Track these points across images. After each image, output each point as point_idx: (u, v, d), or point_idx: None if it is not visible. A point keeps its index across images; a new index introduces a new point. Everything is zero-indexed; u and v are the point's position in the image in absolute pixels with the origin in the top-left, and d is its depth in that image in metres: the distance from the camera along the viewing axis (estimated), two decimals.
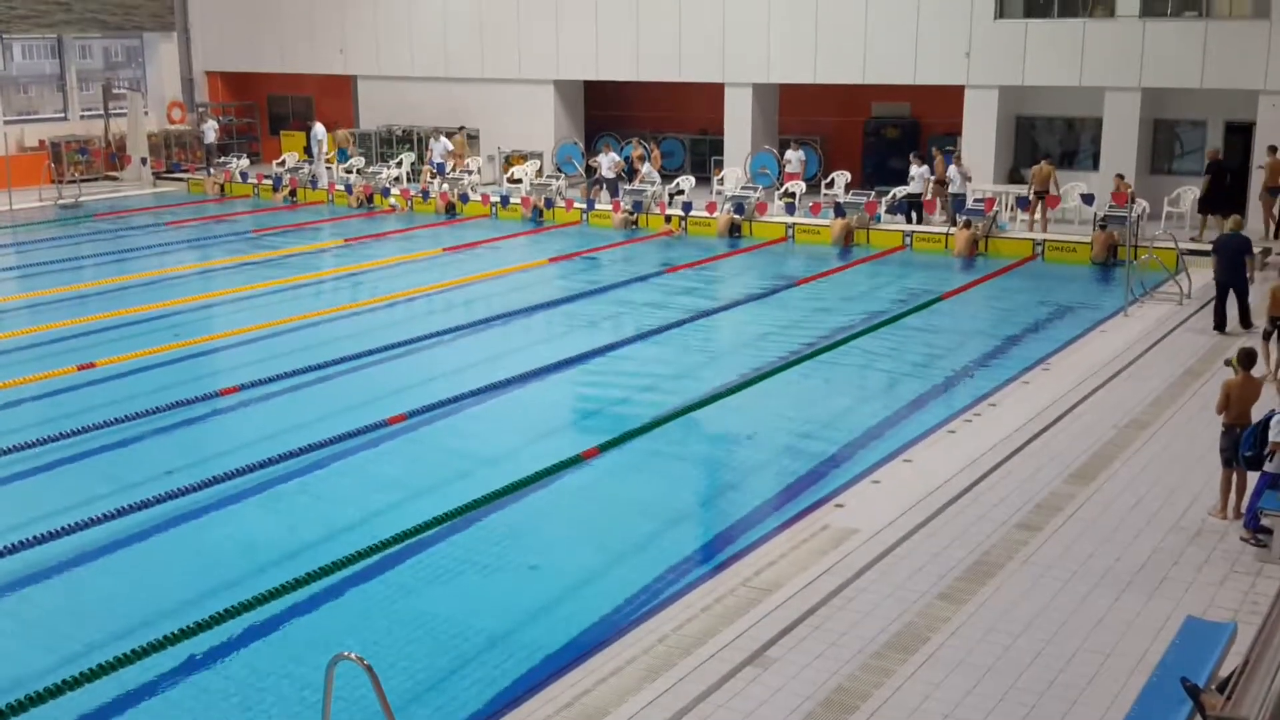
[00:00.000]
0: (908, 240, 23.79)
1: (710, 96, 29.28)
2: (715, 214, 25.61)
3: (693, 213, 25.90)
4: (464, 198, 28.57)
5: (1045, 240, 22.79)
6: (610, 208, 26.75)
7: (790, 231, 25.02)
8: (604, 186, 27.65)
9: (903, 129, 28.99)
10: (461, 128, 30.77)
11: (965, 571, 9.01)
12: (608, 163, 27.86)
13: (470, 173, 29.83)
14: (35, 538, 9.80)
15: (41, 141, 32.96)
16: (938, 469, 11.16)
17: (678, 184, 27.42)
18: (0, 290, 20.99)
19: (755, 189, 26.52)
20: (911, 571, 8.99)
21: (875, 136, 29.06)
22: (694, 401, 13.86)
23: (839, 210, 24.31)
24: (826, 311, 18.63)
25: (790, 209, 25.89)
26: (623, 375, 15.38)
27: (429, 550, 9.92)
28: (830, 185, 27.01)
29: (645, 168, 27.65)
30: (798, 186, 26.52)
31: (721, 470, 12.29)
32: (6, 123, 32.53)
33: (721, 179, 27.73)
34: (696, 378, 15.10)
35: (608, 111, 32.64)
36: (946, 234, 23.46)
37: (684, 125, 31.88)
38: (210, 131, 34.30)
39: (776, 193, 26.63)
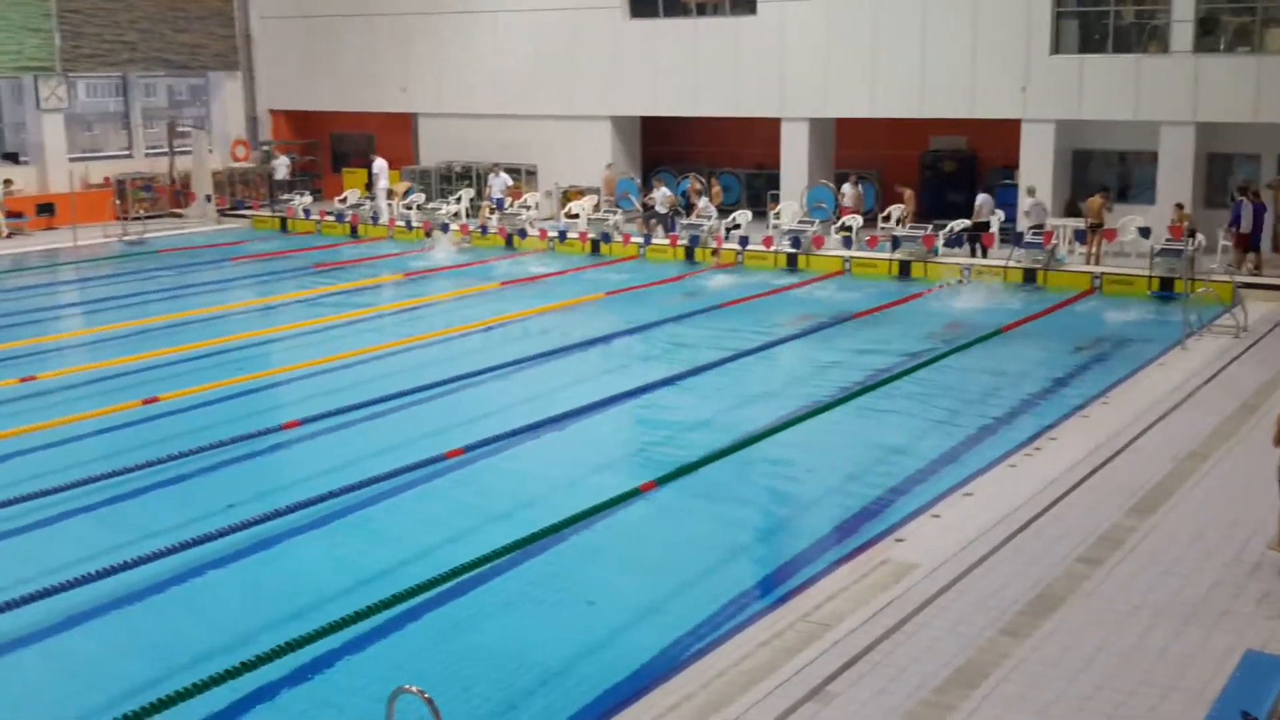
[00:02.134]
0: (966, 273, 23.66)
1: (767, 131, 29.35)
2: (771, 248, 25.66)
3: (749, 247, 25.99)
4: (522, 233, 28.82)
5: (1103, 273, 22.61)
6: (667, 242, 26.94)
7: (847, 265, 24.98)
8: (659, 221, 27.83)
9: (960, 162, 28.89)
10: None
11: (1026, 606, 8.89)
12: (660, 197, 28.05)
13: (528, 208, 30.09)
14: (98, 571, 9.91)
15: (106, 178, 33.65)
16: (998, 502, 11.05)
17: (734, 218, 27.48)
18: (65, 325, 21.45)
19: (812, 223, 26.53)
20: (973, 606, 8.89)
21: (933, 170, 28.97)
22: (752, 435, 13.82)
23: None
24: (884, 345, 18.53)
25: (847, 243, 25.85)
26: (680, 409, 15.40)
27: (487, 584, 9.94)
28: (887, 219, 26.94)
29: (702, 202, 27.77)
30: (855, 220, 26.48)
31: (780, 504, 12.23)
32: (72, 160, 33.29)
33: (778, 213, 27.75)
34: (754, 411, 15.06)
35: (664, 147, 32.81)
36: (1005, 267, 23.31)
37: (740, 160, 31.96)
38: (282, 168, 34.84)
39: (833, 226, 26.63)
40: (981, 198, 25.06)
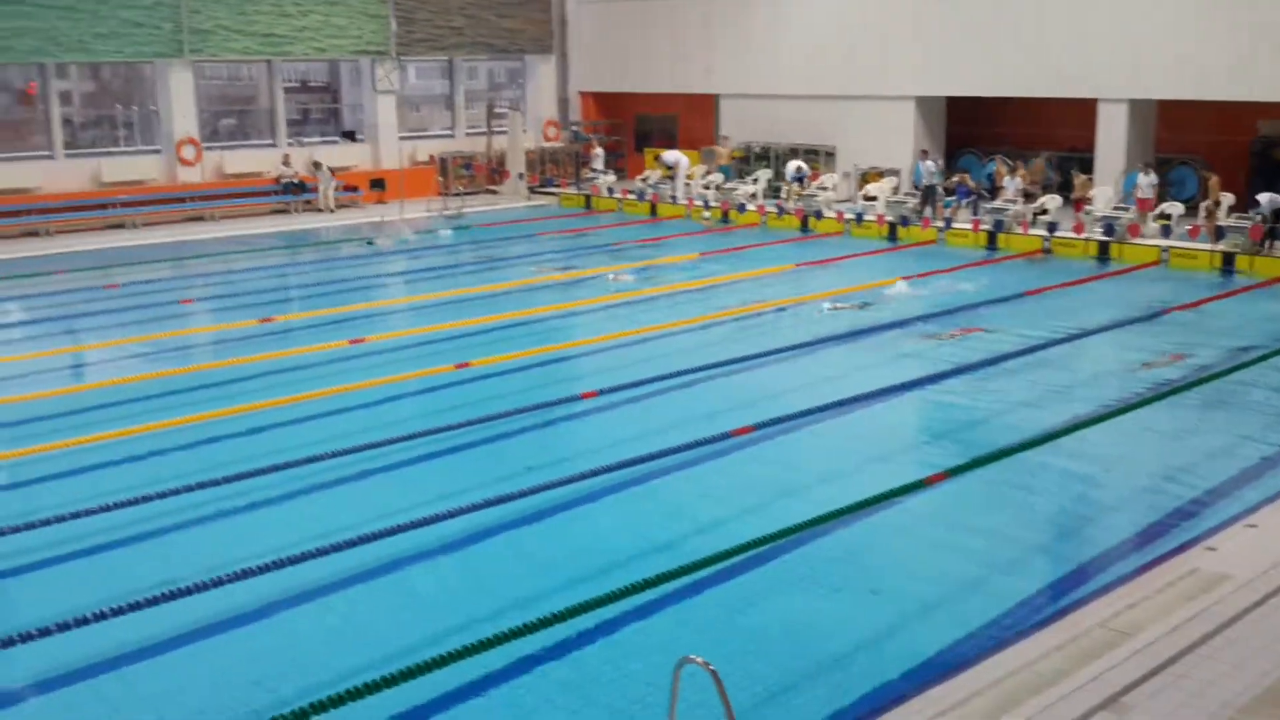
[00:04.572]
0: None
1: (1080, 112, 28.03)
2: (1082, 235, 24.56)
3: (1058, 234, 24.95)
4: (818, 214, 28.69)
5: None
6: (969, 226, 26.26)
7: (1164, 256, 23.58)
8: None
9: None
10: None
11: None
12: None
13: (825, 189, 29.90)
14: (406, 524, 10.54)
15: (431, 156, 35.79)
16: None
17: (1042, 204, 26.42)
18: (390, 293, 22.95)
19: (1127, 209, 25.18)
20: None
21: (1261, 157, 26.88)
22: (1052, 430, 13.29)
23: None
24: (1201, 342, 17.39)
25: (1166, 232, 24.40)
26: (975, 399, 14.96)
27: (771, 563, 10.00)
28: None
29: (1014, 184, 26.89)
30: (1174, 208, 24.94)
31: (1078, 504, 11.71)
32: (401, 138, 35.55)
33: (1090, 199, 26.47)
34: (1053, 406, 14.47)
35: (970, 128, 31.87)
36: None
37: (1050, 142, 30.65)
38: (598, 160, 35.98)
39: (1150, 214, 25.17)
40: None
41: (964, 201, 27.70)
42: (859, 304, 19.85)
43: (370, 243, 27.80)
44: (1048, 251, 24.86)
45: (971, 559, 10.18)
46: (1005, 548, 10.41)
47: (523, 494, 11.29)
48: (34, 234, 28.95)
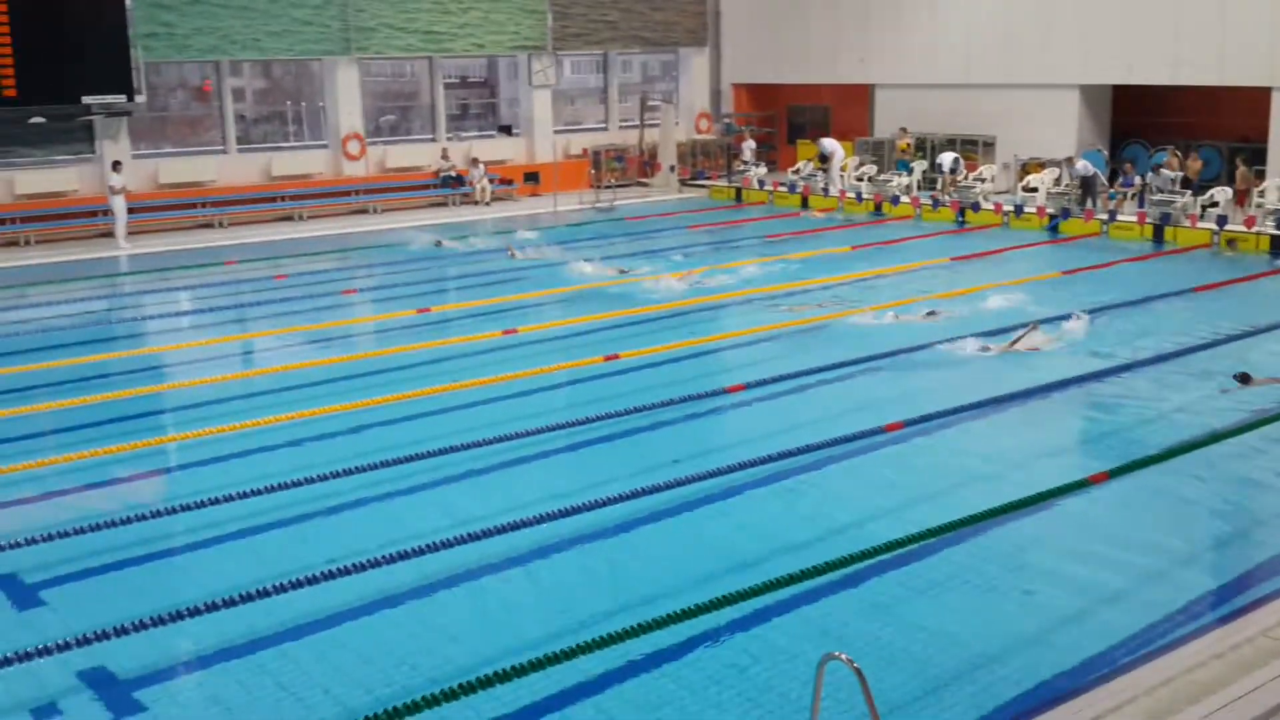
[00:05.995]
0: None
1: (1254, 101, 26.80)
2: (1254, 229, 23.52)
3: (1228, 227, 23.96)
4: (975, 206, 28.09)
5: None
6: (1134, 219, 25.41)
7: None
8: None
9: None
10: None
11: None
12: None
13: (983, 180, 29.28)
14: (555, 511, 10.72)
15: (584, 149, 36.21)
16: None
17: (1211, 196, 25.38)
18: (543, 284, 23.27)
19: None
20: None
21: None
22: (1217, 432, 12.79)
23: None
24: None
25: None
26: (1139, 398, 14.47)
27: (921, 561, 9.87)
28: None
29: (1169, 175, 25.97)
30: None
31: (1244, 508, 11.25)
32: (556, 132, 36.06)
33: (1262, 191, 25.32)
34: (1220, 407, 13.91)
35: (1137, 117, 30.77)
36: None
37: (1222, 132, 29.40)
38: (748, 150, 36.08)
39: None
40: None
41: (1129, 193, 26.79)
42: (927, 313, 18.87)
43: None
44: (1231, 244, 23.82)
45: (1129, 562, 9.86)
46: (1164, 552, 10.07)
47: (669, 485, 11.37)
48: (208, 226, 30.27)
